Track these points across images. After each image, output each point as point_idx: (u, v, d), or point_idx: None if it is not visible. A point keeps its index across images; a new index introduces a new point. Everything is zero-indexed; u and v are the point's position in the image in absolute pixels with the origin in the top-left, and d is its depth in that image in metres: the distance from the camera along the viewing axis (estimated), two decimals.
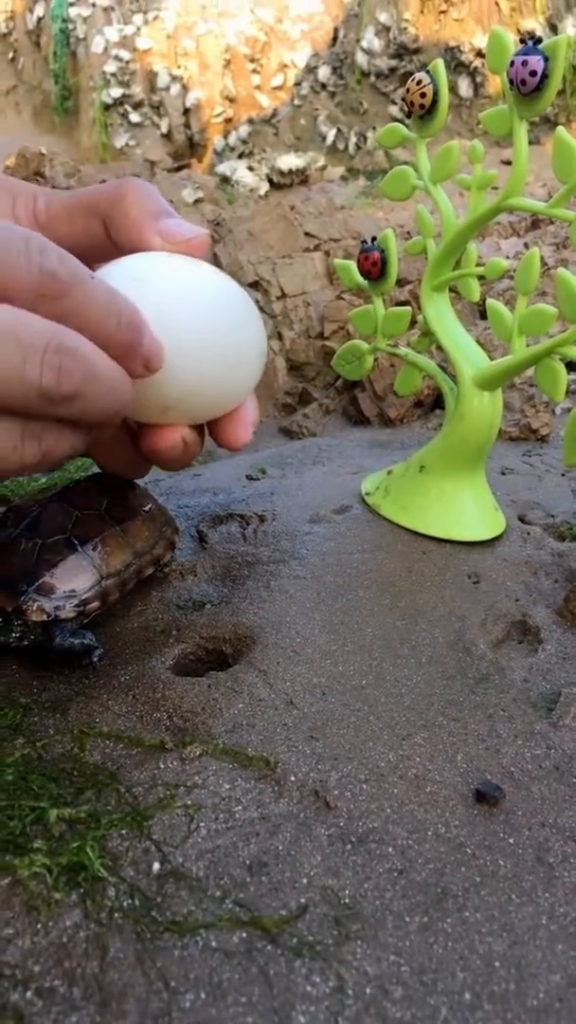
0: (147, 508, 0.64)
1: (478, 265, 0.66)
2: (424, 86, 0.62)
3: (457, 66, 2.15)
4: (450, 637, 0.58)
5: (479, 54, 2.12)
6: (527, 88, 0.55)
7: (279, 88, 3.44)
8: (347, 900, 0.38)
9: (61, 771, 0.45)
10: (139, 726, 0.49)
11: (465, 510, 0.68)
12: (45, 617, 0.55)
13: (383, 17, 2.30)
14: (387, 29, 2.33)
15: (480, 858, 0.41)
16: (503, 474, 0.82)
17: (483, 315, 1.16)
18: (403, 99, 0.65)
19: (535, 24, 2.03)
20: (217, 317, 0.45)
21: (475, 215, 0.62)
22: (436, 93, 0.62)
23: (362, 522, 0.70)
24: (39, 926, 0.36)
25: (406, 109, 0.65)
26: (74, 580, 0.57)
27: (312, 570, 0.64)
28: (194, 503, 0.77)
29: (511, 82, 0.56)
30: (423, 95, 0.62)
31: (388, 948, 0.36)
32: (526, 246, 1.17)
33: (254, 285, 1.27)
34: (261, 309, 1.24)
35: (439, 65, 0.62)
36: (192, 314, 0.43)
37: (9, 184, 0.48)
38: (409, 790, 0.45)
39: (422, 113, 0.63)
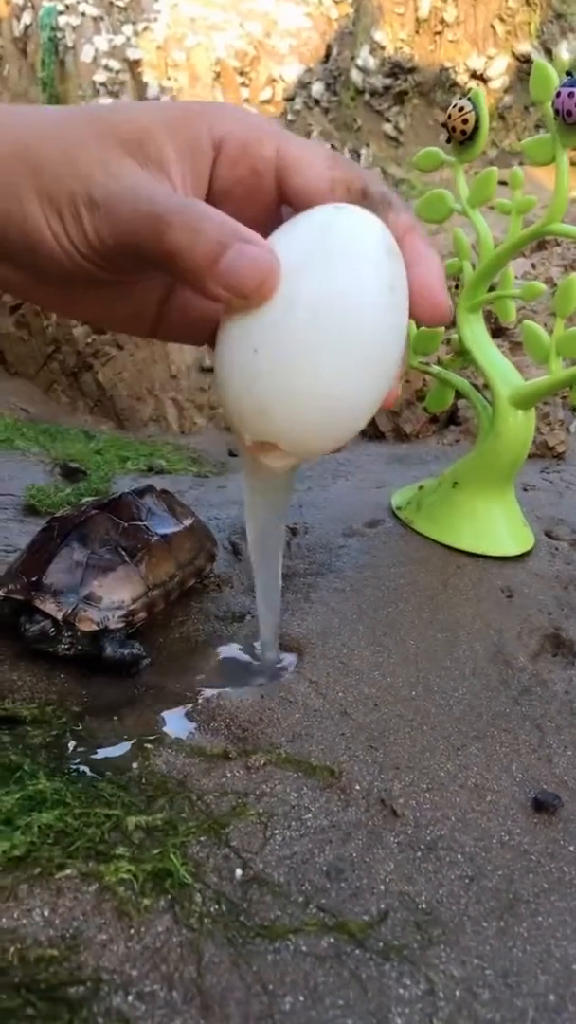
0: (189, 520, 0.65)
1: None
2: (466, 113, 0.64)
3: (451, 86, 2.19)
4: (490, 650, 0.60)
5: (474, 75, 2.15)
6: (572, 119, 0.57)
7: (268, 102, 3.47)
8: (424, 906, 0.39)
9: (129, 779, 0.45)
10: (198, 735, 0.50)
11: (496, 526, 0.70)
12: (94, 627, 0.56)
13: (378, 36, 2.33)
14: (382, 48, 2.36)
15: (545, 865, 0.43)
16: (525, 490, 0.84)
17: (495, 334, 1.18)
18: (443, 124, 0.66)
19: (529, 48, 2.07)
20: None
21: (514, 239, 0.64)
22: (477, 120, 0.64)
23: (395, 536, 0.72)
24: (132, 931, 0.36)
25: (446, 135, 0.66)
26: (122, 591, 0.58)
27: (351, 583, 0.65)
28: (224, 515, 0.78)
29: (556, 112, 0.58)
30: (464, 121, 0.64)
31: (471, 952, 0.37)
32: (533, 267, 1.20)
33: None
34: None
35: (480, 94, 0.64)
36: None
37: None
38: (471, 799, 0.46)
39: (462, 139, 0.65)
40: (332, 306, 0.36)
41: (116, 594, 0.58)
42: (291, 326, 0.37)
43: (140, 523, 0.62)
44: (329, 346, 0.36)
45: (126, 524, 0.61)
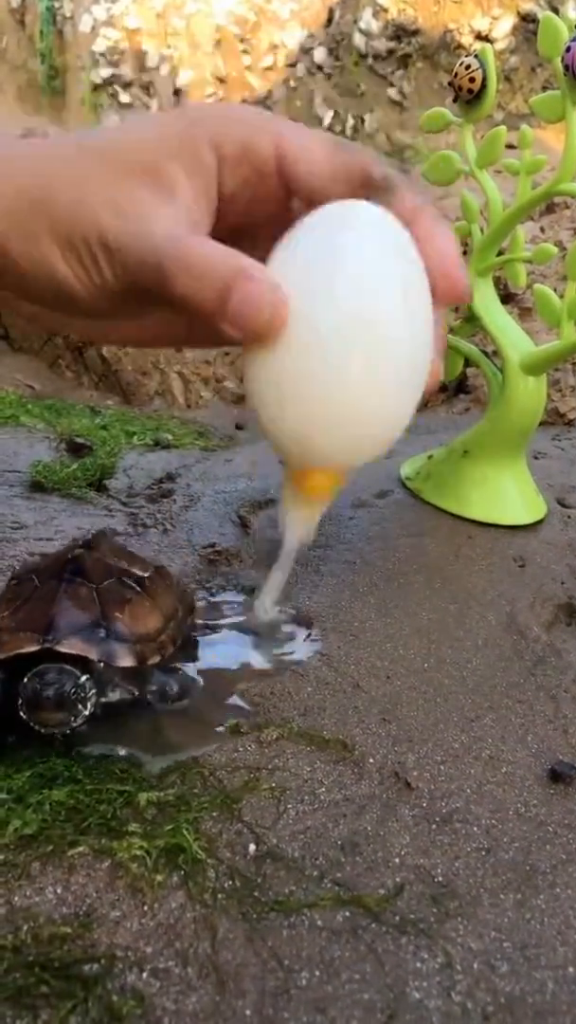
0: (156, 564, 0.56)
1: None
2: (473, 71, 0.62)
3: (456, 48, 2.14)
4: (503, 620, 0.59)
5: (479, 36, 2.11)
6: None
7: (269, 69, 3.41)
8: (440, 879, 0.39)
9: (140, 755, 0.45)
10: (209, 710, 0.49)
11: (508, 494, 0.69)
12: (133, 663, 0.47)
13: None
14: (385, 10, 2.32)
15: (562, 836, 0.42)
16: (536, 458, 0.83)
17: (504, 300, 1.16)
18: (450, 83, 0.64)
19: (535, 7, 2.03)
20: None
21: (524, 200, 0.62)
22: (485, 78, 0.62)
23: (404, 507, 0.71)
24: (145, 908, 0.36)
25: (453, 93, 0.64)
26: (146, 620, 0.50)
27: (361, 555, 0.65)
28: (231, 488, 0.78)
29: (566, 68, 0.56)
30: (472, 80, 0.62)
31: (488, 925, 0.37)
32: (542, 230, 1.18)
33: None
34: None
35: (488, 50, 0.62)
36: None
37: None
38: (485, 771, 0.46)
39: (469, 98, 0.63)
40: (345, 329, 0.35)
41: (142, 625, 0.50)
42: (308, 357, 0.35)
43: (127, 556, 0.55)
44: (349, 372, 0.35)
45: (115, 559, 0.53)
